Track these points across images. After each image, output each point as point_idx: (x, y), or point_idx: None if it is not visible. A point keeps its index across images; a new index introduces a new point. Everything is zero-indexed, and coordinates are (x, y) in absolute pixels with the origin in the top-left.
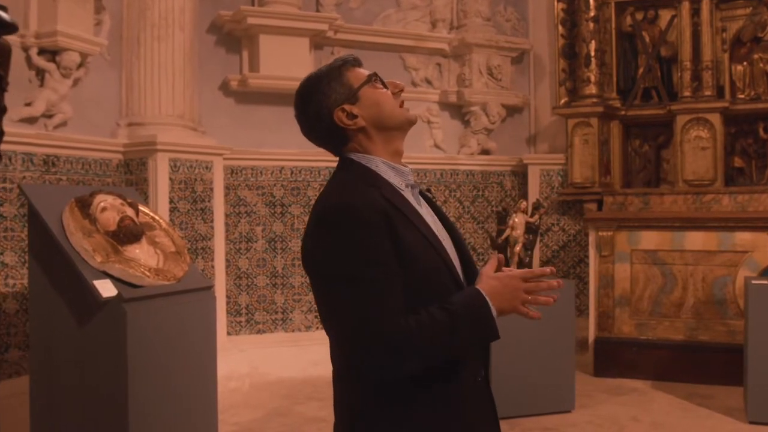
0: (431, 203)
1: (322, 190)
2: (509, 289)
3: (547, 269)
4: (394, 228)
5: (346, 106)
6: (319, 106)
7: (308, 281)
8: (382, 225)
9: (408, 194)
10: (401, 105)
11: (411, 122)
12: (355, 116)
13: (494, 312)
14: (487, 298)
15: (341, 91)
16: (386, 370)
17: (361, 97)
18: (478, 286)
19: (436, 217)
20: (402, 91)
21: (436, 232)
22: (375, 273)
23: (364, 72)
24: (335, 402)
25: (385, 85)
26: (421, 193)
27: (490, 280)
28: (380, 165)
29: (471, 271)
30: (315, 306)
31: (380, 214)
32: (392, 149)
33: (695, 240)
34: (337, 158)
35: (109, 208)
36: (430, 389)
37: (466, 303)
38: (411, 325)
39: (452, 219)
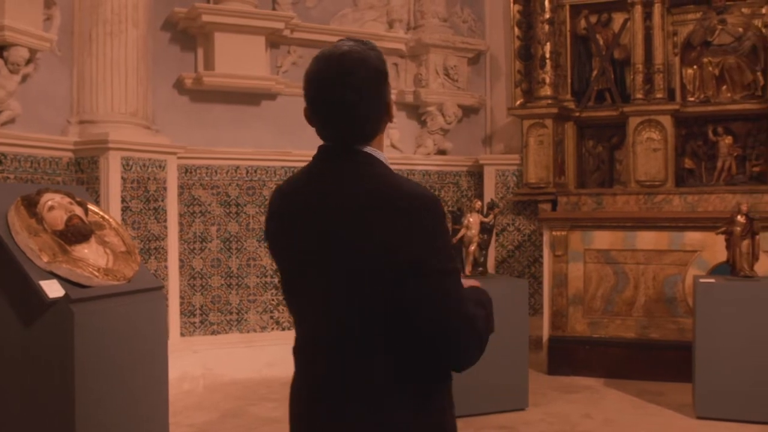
0: None
1: (372, 178)
2: None
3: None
4: None
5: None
6: (382, 89)
7: (263, 281)
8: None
9: None
10: None
11: None
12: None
13: None
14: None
15: (388, 85)
16: (477, 350)
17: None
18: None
19: None
20: None
21: None
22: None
23: None
24: (354, 380)
25: None
26: None
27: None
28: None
29: None
30: (269, 307)
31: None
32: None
33: (647, 239)
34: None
35: (56, 206)
36: (441, 381)
37: (486, 299)
38: (476, 313)
39: None
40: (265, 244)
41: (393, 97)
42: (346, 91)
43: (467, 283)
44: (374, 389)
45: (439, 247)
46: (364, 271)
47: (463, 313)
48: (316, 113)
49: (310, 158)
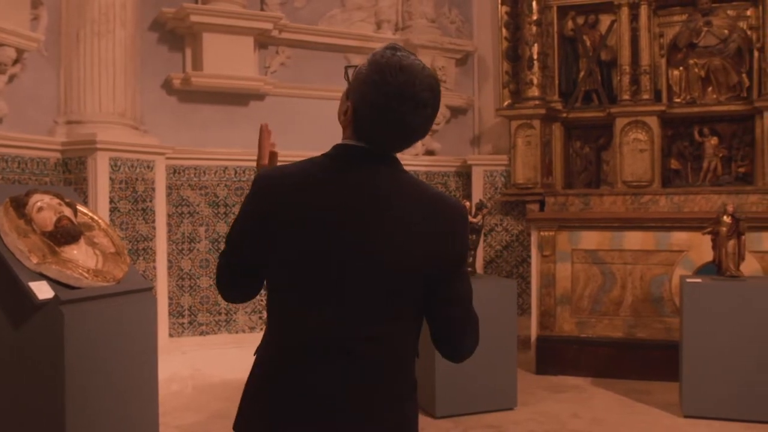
0: None
1: (422, 187)
2: None
3: None
4: None
5: None
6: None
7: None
8: None
9: None
10: None
11: None
12: None
13: None
14: None
15: None
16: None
17: None
18: None
19: None
20: None
21: None
22: None
23: None
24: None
25: None
26: None
27: None
28: None
29: None
30: (259, 307)
31: None
32: None
33: (634, 240)
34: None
35: (45, 207)
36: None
37: None
38: None
39: None
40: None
41: None
42: (423, 114)
43: None
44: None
45: (467, 248)
46: (412, 269)
47: (471, 306)
48: (386, 123)
49: (298, 158)
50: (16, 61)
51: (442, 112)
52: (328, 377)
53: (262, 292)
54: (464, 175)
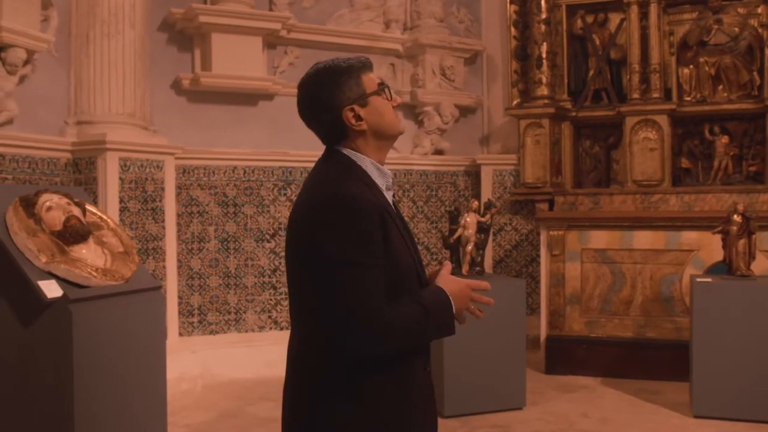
0: (397, 209)
1: (313, 178)
2: (463, 293)
3: (486, 284)
4: (384, 228)
5: (356, 107)
6: (332, 97)
7: (261, 281)
8: (377, 221)
9: (388, 196)
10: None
11: (400, 134)
12: (361, 119)
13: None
14: (452, 302)
15: (355, 91)
16: (370, 350)
17: (370, 102)
18: (442, 287)
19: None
20: (398, 105)
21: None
22: (372, 261)
23: (375, 78)
24: (291, 383)
25: (391, 96)
26: None
27: (451, 282)
28: (369, 165)
29: (421, 271)
30: (267, 306)
31: (377, 211)
32: (380, 156)
33: (643, 239)
34: (324, 147)
35: (54, 207)
36: (388, 373)
37: (436, 300)
38: (394, 314)
39: (406, 219)
40: (264, 245)
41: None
42: (299, 96)
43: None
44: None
45: (340, 242)
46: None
47: (353, 305)
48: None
49: (308, 158)
50: (26, 62)
51: (451, 112)
52: None
53: (272, 291)
54: (473, 174)
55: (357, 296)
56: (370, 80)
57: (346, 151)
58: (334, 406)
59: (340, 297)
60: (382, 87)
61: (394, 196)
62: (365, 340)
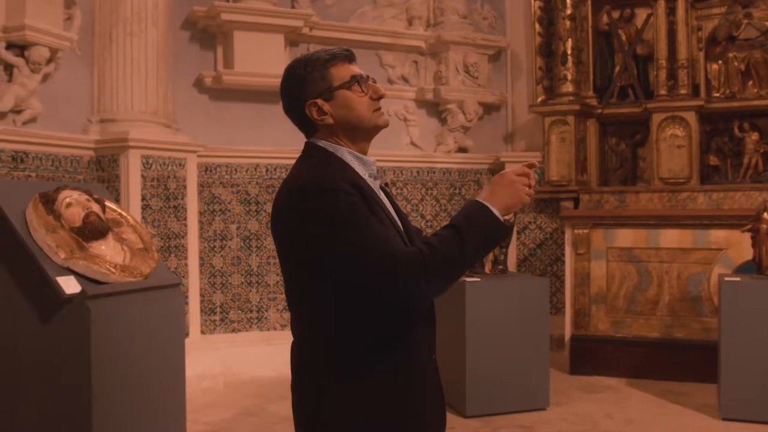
0: (391, 199)
1: (290, 173)
2: (506, 186)
3: (534, 161)
4: (367, 204)
5: (319, 101)
6: (297, 91)
7: (283, 279)
8: (356, 193)
9: (372, 183)
10: (378, 109)
11: (380, 127)
12: (325, 113)
13: (496, 211)
14: (484, 202)
15: (320, 84)
16: (414, 294)
17: (336, 96)
18: (476, 198)
19: (394, 211)
20: (382, 97)
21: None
22: (364, 220)
23: (351, 70)
24: (297, 377)
25: (365, 89)
26: (381, 187)
27: (485, 189)
28: (346, 155)
29: None
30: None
31: (354, 186)
32: (357, 147)
33: (670, 238)
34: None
35: (74, 203)
36: (391, 361)
37: (466, 213)
38: (423, 249)
39: (429, 217)
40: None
41: (412, 94)
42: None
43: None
44: None
45: (331, 217)
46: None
47: (372, 261)
48: None
49: None
50: (50, 61)
51: (475, 109)
52: None
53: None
54: (497, 172)
55: (371, 250)
56: (341, 73)
57: (322, 143)
58: (340, 400)
59: (356, 260)
60: (354, 79)
61: (387, 186)
62: (403, 287)
